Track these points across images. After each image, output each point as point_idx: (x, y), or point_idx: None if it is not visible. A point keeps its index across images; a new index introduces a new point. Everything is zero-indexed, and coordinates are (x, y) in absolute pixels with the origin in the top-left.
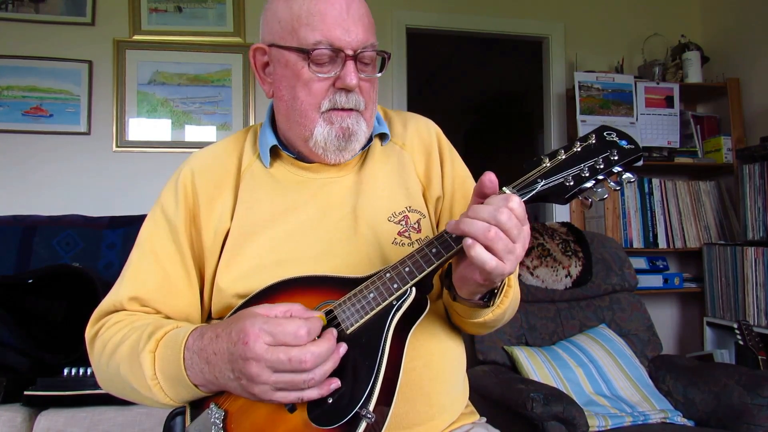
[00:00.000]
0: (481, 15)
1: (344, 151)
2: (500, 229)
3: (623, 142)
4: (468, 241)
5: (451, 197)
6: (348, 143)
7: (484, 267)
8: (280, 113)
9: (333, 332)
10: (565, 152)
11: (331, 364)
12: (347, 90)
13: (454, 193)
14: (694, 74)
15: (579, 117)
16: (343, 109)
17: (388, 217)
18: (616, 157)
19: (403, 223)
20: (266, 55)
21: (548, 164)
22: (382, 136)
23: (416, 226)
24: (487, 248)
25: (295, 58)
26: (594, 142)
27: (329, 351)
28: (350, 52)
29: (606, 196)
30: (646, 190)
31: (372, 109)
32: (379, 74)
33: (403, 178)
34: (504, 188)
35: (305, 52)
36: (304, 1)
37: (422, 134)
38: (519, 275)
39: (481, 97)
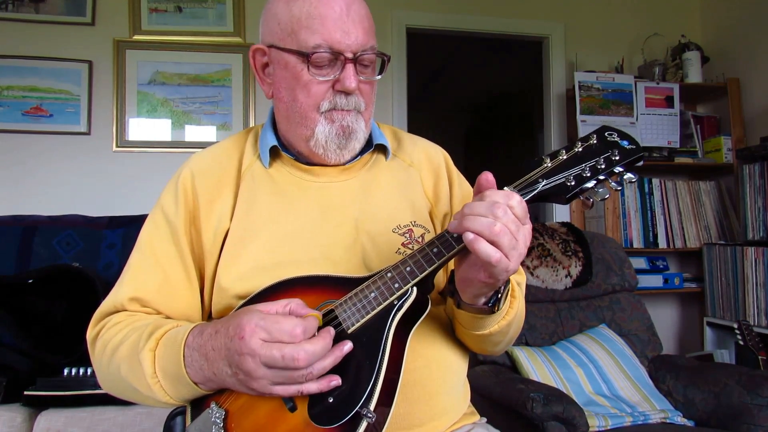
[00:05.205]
0: (481, 15)
1: (344, 150)
2: (502, 224)
3: (624, 143)
4: (469, 235)
5: None
6: (348, 141)
7: (489, 261)
8: (280, 114)
9: (330, 330)
10: (566, 152)
11: (330, 361)
12: (347, 92)
13: None
14: (694, 74)
15: (579, 117)
16: (342, 109)
17: (392, 228)
18: (617, 158)
19: (407, 235)
20: (266, 56)
21: (549, 164)
22: (384, 151)
23: (420, 239)
24: (493, 243)
25: (294, 61)
26: (595, 142)
27: (324, 349)
28: (350, 55)
29: (607, 196)
30: (646, 190)
31: (371, 110)
32: (379, 77)
33: (409, 193)
34: (505, 188)
35: (305, 55)
36: (304, 3)
37: (431, 155)
38: None
39: (481, 97)
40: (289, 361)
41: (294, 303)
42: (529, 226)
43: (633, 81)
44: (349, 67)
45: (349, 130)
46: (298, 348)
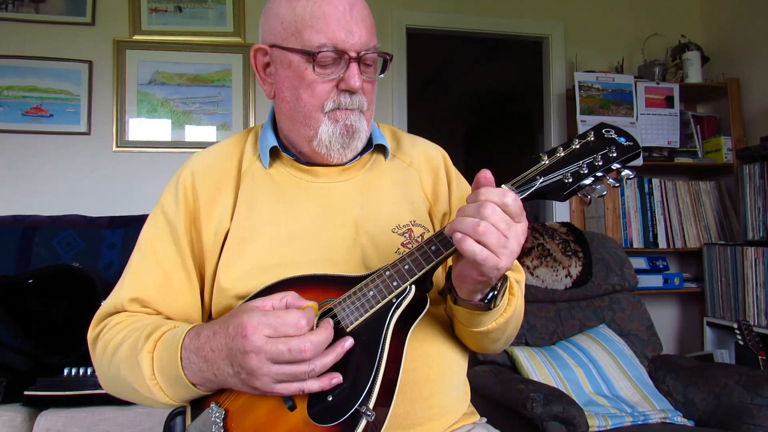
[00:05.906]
0: (481, 15)
1: (347, 149)
2: (489, 223)
3: (622, 139)
4: (457, 235)
5: None
6: (351, 140)
7: (475, 258)
8: (283, 114)
9: (329, 321)
10: (563, 149)
11: (332, 357)
12: (351, 91)
13: None
14: (694, 74)
15: (579, 117)
16: (346, 108)
17: (392, 228)
18: (614, 154)
19: (407, 235)
20: (267, 56)
21: (547, 161)
22: (384, 151)
23: (419, 239)
24: (480, 242)
25: (298, 60)
26: (593, 139)
27: (328, 339)
28: (354, 54)
29: (605, 193)
30: (646, 190)
31: (372, 110)
32: (381, 75)
33: (409, 193)
34: (503, 185)
35: (310, 54)
36: (308, 2)
37: (430, 155)
38: None
39: (481, 97)
40: (296, 354)
41: (290, 296)
42: (523, 224)
43: (633, 81)
44: (353, 66)
45: (353, 129)
46: (304, 340)
